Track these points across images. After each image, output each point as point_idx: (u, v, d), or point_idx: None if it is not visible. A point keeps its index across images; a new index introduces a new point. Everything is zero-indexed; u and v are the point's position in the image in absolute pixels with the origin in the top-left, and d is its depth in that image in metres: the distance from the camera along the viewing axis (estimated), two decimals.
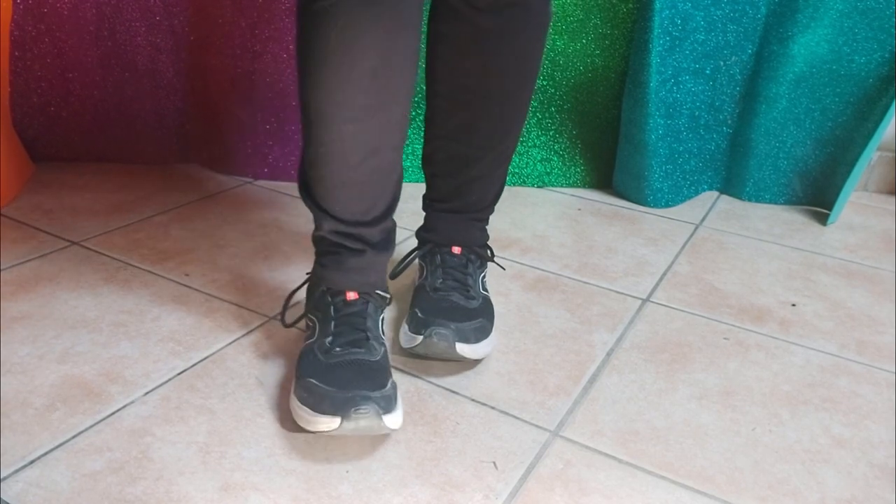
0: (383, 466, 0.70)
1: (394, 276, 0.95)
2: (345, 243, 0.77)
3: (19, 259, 1.04)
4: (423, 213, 0.95)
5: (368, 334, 0.76)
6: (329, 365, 0.73)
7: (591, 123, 1.41)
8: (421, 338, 0.81)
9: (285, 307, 0.85)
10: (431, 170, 0.92)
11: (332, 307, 0.78)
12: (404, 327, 0.86)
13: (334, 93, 0.69)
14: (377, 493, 0.66)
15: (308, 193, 0.77)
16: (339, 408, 0.67)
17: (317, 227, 0.79)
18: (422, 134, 1.41)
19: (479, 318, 0.85)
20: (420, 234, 0.95)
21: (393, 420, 0.69)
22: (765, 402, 0.83)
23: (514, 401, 0.80)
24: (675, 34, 1.26)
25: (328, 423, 0.67)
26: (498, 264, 1.03)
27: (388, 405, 0.69)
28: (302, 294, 0.93)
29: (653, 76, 1.27)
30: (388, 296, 0.83)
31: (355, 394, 0.68)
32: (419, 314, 0.84)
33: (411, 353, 0.85)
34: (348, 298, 0.78)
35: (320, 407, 0.68)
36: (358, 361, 0.73)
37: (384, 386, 0.71)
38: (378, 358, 0.74)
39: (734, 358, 0.91)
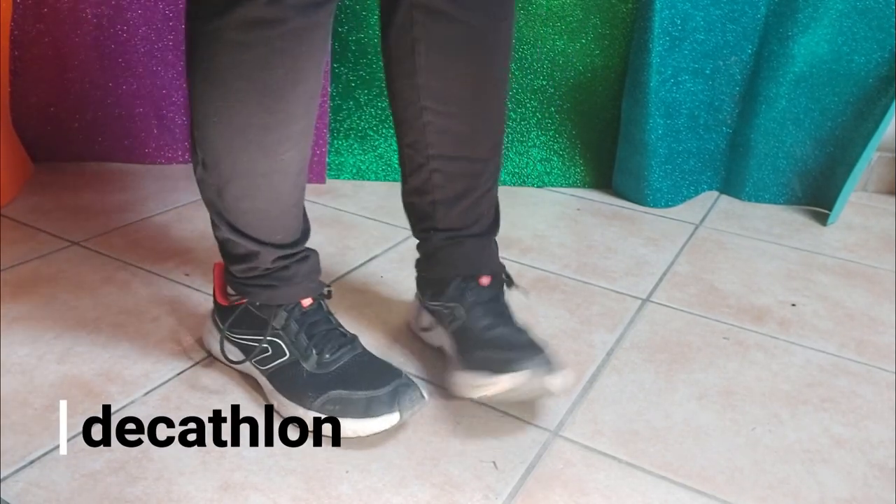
0: (383, 466, 0.70)
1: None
2: (291, 261, 0.76)
3: (19, 259, 1.04)
4: (417, 247, 0.87)
5: (340, 329, 0.78)
6: (337, 373, 0.74)
7: (591, 123, 1.42)
8: (506, 377, 0.71)
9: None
10: (430, 199, 0.82)
11: (292, 321, 0.76)
12: (465, 375, 0.76)
13: (284, 122, 0.67)
14: (377, 493, 0.66)
15: (239, 233, 0.73)
16: (392, 403, 0.71)
17: (247, 261, 0.75)
18: None
19: (544, 348, 0.76)
20: (432, 269, 0.85)
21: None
22: (765, 402, 0.83)
23: (515, 401, 0.80)
24: (675, 34, 1.26)
25: (388, 420, 0.71)
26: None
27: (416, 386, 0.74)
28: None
29: (652, 76, 1.27)
30: (330, 287, 0.82)
31: (396, 384, 0.72)
32: (490, 354, 0.75)
33: (484, 402, 0.78)
34: (305, 307, 0.77)
35: (372, 410, 0.71)
36: (359, 357, 0.76)
37: (401, 372, 0.75)
38: (364, 348, 0.78)
39: (734, 358, 0.91)
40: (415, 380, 0.82)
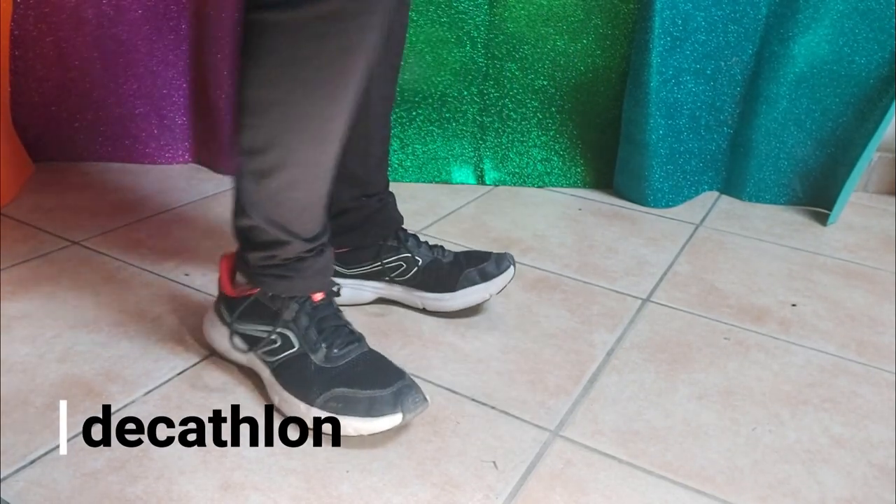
0: (383, 466, 0.70)
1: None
2: (310, 254, 0.76)
3: (19, 259, 1.04)
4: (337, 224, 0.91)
5: (349, 327, 0.78)
6: (343, 369, 0.74)
7: (592, 123, 1.41)
8: (511, 269, 0.94)
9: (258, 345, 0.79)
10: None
11: (303, 315, 0.76)
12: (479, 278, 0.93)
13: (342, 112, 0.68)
14: (377, 493, 0.66)
15: (273, 222, 0.73)
16: (395, 404, 0.71)
17: (270, 250, 0.75)
18: (423, 132, 1.42)
19: None
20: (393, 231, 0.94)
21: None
22: (765, 402, 0.83)
23: (514, 401, 0.80)
24: (676, 34, 1.26)
25: (391, 421, 0.71)
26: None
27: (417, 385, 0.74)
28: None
29: (653, 76, 1.27)
30: (339, 285, 0.82)
31: (400, 385, 0.72)
32: (485, 266, 0.94)
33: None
34: (316, 301, 0.77)
35: (375, 410, 0.71)
36: (366, 356, 0.76)
37: (404, 373, 0.74)
38: (370, 347, 0.77)
39: (734, 358, 0.91)
40: (416, 380, 0.82)
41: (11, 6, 1.22)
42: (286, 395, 0.75)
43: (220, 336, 0.82)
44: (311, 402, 0.72)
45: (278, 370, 0.76)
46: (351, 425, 0.71)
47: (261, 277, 0.77)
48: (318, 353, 0.75)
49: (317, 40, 0.63)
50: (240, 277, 0.79)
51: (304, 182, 0.71)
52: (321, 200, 0.74)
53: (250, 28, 0.65)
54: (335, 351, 0.75)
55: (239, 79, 0.68)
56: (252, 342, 0.78)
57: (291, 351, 0.76)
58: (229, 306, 0.80)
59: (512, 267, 0.95)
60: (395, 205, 0.96)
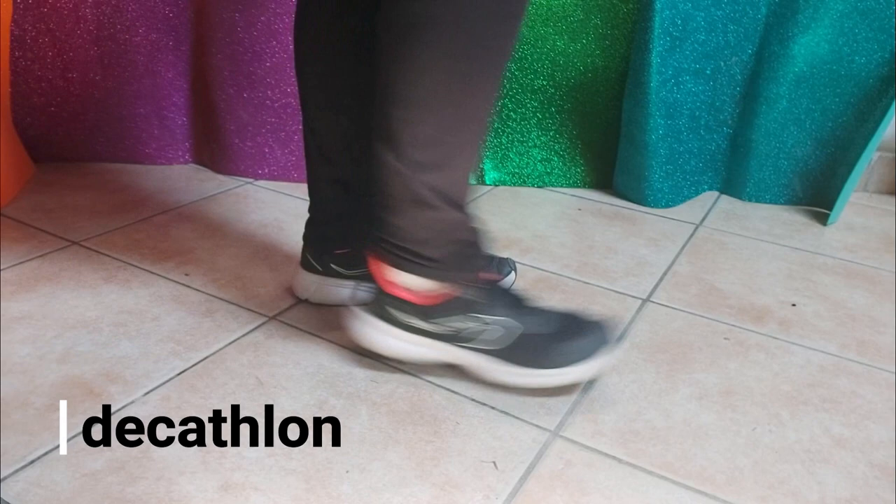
0: (383, 466, 0.70)
1: None
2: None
3: (19, 259, 1.04)
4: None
5: (524, 293, 0.84)
6: (554, 329, 0.79)
7: (592, 123, 1.41)
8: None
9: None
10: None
11: (498, 296, 0.79)
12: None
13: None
14: (377, 493, 0.66)
15: (458, 206, 0.75)
16: (607, 340, 0.79)
17: (466, 244, 0.78)
18: None
19: None
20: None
21: None
22: (765, 402, 0.83)
23: (514, 401, 0.80)
24: (676, 34, 1.26)
25: (617, 350, 0.82)
26: None
27: None
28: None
29: (653, 76, 1.27)
30: None
31: (594, 323, 0.80)
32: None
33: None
34: (498, 280, 0.83)
35: (601, 349, 0.79)
36: (556, 314, 0.81)
37: (589, 315, 0.82)
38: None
39: (734, 358, 0.91)
40: (414, 380, 0.83)
41: (11, 6, 1.22)
42: (521, 370, 0.78)
43: (398, 340, 0.81)
44: (551, 366, 0.78)
45: (502, 352, 0.79)
46: (590, 369, 0.78)
47: (462, 273, 0.78)
48: (529, 324, 0.78)
49: (513, 20, 0.66)
50: (428, 284, 0.78)
51: (473, 161, 0.73)
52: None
53: (420, 19, 0.65)
54: (539, 318, 0.79)
55: (404, 74, 0.67)
56: (460, 338, 0.79)
57: (507, 331, 0.78)
58: (421, 311, 0.79)
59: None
60: None
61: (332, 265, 0.93)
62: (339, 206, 0.90)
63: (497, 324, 0.78)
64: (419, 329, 0.80)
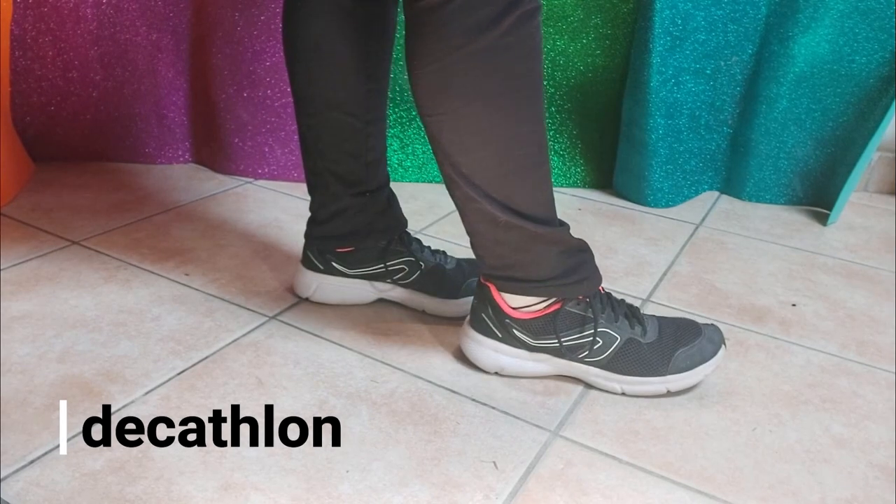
0: (383, 466, 0.70)
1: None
2: (584, 249, 0.81)
3: (19, 259, 1.04)
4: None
5: (628, 304, 0.85)
6: (662, 336, 0.81)
7: (592, 123, 1.41)
8: None
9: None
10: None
11: (606, 307, 0.81)
12: None
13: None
14: (377, 493, 0.66)
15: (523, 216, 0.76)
16: (716, 342, 0.82)
17: (579, 254, 0.80)
18: (423, 132, 1.41)
19: None
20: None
21: None
22: (765, 403, 0.83)
23: (514, 401, 0.80)
24: (676, 34, 1.26)
25: (722, 353, 0.82)
26: None
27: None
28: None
29: (653, 76, 1.27)
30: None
31: (701, 327, 0.83)
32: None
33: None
34: (602, 290, 0.83)
35: (709, 352, 0.81)
36: (659, 320, 0.84)
37: (691, 319, 0.86)
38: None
39: (734, 358, 0.91)
40: (415, 380, 0.83)
41: (11, 6, 1.22)
42: (633, 378, 0.81)
43: (508, 357, 0.83)
44: (664, 373, 0.80)
45: (610, 364, 0.81)
46: (702, 372, 0.81)
47: (567, 288, 0.79)
48: (639, 334, 0.81)
49: (537, 34, 0.68)
50: (528, 300, 0.80)
51: (539, 173, 0.77)
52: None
53: (458, 61, 0.67)
54: (647, 325, 0.82)
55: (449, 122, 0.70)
56: (573, 350, 0.81)
57: (618, 343, 0.80)
58: (524, 326, 0.81)
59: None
60: (399, 207, 0.95)
61: (334, 263, 0.93)
62: (339, 204, 0.90)
63: (606, 335, 0.80)
64: (529, 345, 0.82)
